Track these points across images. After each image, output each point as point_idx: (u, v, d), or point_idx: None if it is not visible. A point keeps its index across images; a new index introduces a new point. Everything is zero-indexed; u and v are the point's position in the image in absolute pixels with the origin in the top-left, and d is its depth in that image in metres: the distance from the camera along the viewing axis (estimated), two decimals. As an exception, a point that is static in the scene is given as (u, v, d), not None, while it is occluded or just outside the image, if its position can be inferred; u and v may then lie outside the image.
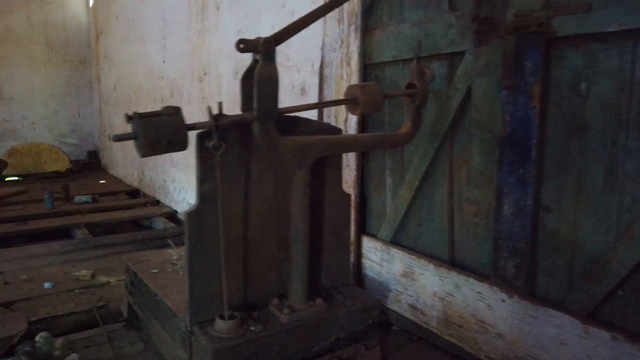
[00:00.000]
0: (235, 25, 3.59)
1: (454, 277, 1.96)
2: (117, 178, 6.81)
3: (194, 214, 1.69)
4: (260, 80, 1.56)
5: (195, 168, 1.68)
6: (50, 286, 2.79)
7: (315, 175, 1.89)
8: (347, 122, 2.42)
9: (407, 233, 2.27)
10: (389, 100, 2.24)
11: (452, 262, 2.06)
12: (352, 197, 2.22)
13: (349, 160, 2.43)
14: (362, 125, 2.39)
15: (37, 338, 2.03)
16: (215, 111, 1.55)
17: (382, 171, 2.39)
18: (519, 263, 1.73)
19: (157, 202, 5.31)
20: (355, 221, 2.41)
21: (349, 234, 2.09)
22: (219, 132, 1.53)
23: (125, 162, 6.50)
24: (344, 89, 2.44)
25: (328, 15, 2.51)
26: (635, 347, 1.44)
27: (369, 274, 2.42)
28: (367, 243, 2.42)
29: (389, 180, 2.35)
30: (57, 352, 1.99)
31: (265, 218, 1.87)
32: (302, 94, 2.86)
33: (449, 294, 1.99)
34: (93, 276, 2.95)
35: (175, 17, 4.67)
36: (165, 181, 5.14)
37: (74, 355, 1.95)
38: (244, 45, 1.56)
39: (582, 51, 1.55)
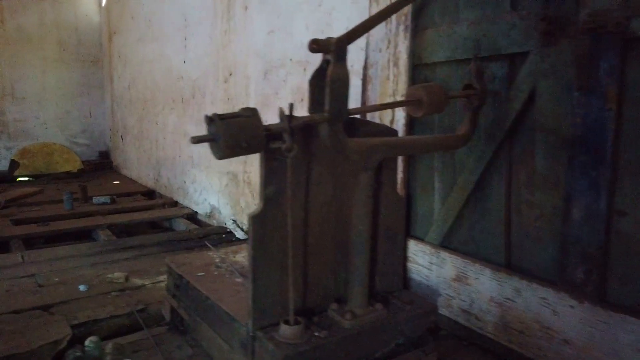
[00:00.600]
0: (265, 25, 3.55)
1: (514, 282, 1.93)
2: (131, 179, 6.77)
3: (259, 216, 1.65)
4: (332, 81, 1.52)
5: (259, 170, 1.64)
6: (85, 289, 2.75)
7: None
8: (394, 123, 2.38)
9: (458, 236, 2.24)
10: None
11: (508, 266, 2.03)
12: (403, 200, 2.18)
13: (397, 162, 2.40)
14: (410, 126, 2.35)
15: (87, 343, 1.99)
16: (285, 112, 1.51)
17: (429, 173, 2.35)
18: (589, 268, 1.70)
19: (175, 203, 5.27)
20: (401, 224, 2.37)
21: (402, 237, 2.06)
22: (293, 134, 1.49)
23: (140, 162, 6.46)
24: (389, 91, 2.42)
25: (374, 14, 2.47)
26: None
27: (415, 278, 2.39)
28: (414, 246, 2.38)
29: (437, 183, 2.32)
30: (108, 358, 1.95)
31: (323, 221, 1.83)
32: (340, 95, 2.81)
33: (508, 299, 1.95)
34: (127, 279, 2.91)
35: (197, 17, 4.63)
36: (185, 182, 5.10)
37: (127, 361, 1.91)
38: (316, 46, 1.52)
39: (661, 52, 1.52)
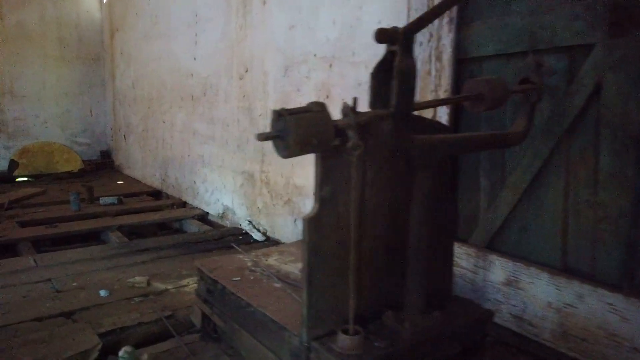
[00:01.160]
0: (286, 20, 3.44)
1: (575, 287, 1.83)
2: (135, 179, 6.61)
3: (314, 219, 1.54)
4: (400, 73, 1.42)
5: (315, 169, 1.53)
6: (107, 294, 2.62)
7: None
8: (437, 119, 2.28)
9: (508, 239, 2.14)
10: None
11: (565, 270, 1.93)
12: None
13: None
14: (455, 122, 2.25)
15: (122, 353, 1.87)
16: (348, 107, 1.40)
17: (474, 172, 2.25)
18: (664, 273, 1.61)
19: (184, 204, 5.14)
20: (443, 225, 2.27)
21: (453, 240, 1.95)
22: (359, 130, 1.38)
23: (145, 162, 6.31)
24: (431, 86, 2.31)
25: (413, 7, 2.38)
26: None
27: (458, 282, 2.28)
28: (457, 249, 2.27)
29: (484, 182, 2.22)
30: (144, 369, 1.84)
31: (377, 223, 1.72)
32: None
33: (568, 304, 1.86)
34: (148, 283, 2.78)
35: (208, 13, 4.50)
36: (195, 182, 4.96)
37: (166, 373, 1.80)
38: (381, 36, 1.42)
39: None
